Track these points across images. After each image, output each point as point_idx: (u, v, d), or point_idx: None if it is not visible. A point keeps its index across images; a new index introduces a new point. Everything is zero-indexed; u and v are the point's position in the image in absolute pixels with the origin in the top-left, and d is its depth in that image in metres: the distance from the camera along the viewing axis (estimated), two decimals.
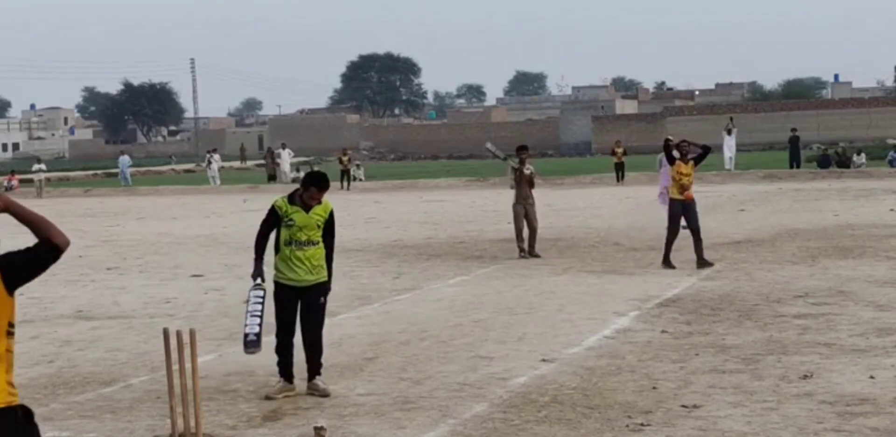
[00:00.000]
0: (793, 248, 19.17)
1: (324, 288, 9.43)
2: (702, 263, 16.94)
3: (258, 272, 9.32)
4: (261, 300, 9.23)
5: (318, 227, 9.31)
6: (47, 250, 4.84)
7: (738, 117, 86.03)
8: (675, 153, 17.27)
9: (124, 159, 57.77)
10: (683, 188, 17.04)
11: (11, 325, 4.79)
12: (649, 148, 63.21)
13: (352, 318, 13.39)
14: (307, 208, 9.28)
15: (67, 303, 15.43)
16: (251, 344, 9.10)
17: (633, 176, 42.74)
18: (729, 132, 46.49)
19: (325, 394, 9.31)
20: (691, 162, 17.14)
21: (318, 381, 9.41)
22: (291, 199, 9.34)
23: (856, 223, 23.21)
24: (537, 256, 19.01)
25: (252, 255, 9.48)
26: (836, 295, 13.89)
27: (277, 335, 9.39)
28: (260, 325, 9.13)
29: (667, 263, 17.11)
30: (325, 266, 9.44)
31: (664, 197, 23.32)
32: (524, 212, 19.28)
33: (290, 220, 9.24)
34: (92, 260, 20.92)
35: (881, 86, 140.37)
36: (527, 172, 19.30)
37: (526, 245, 19.20)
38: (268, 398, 9.22)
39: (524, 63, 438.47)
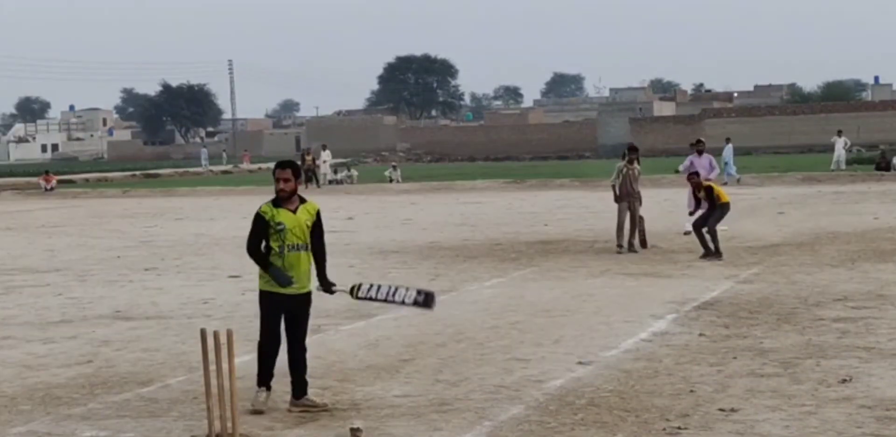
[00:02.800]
0: (832, 251, 19.03)
1: (309, 299, 9.06)
2: None
3: (284, 277, 8.83)
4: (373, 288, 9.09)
5: (308, 227, 8.94)
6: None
7: (777, 120, 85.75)
8: None
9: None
10: None
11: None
12: (688, 150, 62.52)
13: (388, 319, 13.39)
14: (294, 209, 8.92)
15: (106, 303, 15.52)
16: (429, 298, 8.95)
17: (671, 179, 42.52)
18: (839, 134, 48.50)
19: (324, 408, 8.92)
20: None
21: (307, 399, 8.99)
22: (276, 202, 8.94)
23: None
24: (635, 251, 19.80)
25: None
26: (875, 299, 13.78)
27: (263, 344, 8.95)
28: (406, 289, 9.04)
29: None
30: (310, 276, 9.05)
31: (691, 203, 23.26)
32: (628, 207, 20.12)
33: (280, 224, 8.83)
34: (130, 261, 21.04)
35: None
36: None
37: (625, 241, 19.99)
38: (256, 412, 8.80)
39: (561, 65, 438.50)
